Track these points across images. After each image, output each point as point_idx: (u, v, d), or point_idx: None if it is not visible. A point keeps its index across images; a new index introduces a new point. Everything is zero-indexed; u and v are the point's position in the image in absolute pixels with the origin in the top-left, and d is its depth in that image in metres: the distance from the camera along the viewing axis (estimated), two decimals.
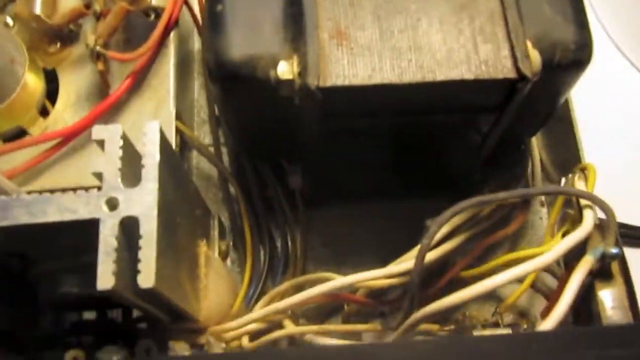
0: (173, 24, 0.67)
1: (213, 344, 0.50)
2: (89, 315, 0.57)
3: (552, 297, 0.51)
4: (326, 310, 0.67)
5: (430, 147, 0.61)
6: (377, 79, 0.48)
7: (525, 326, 0.66)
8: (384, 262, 0.70)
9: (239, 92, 0.54)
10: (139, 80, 0.67)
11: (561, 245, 0.47)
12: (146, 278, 0.43)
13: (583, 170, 0.61)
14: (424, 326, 0.62)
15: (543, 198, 0.74)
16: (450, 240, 0.59)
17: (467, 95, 0.51)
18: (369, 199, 0.72)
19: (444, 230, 0.57)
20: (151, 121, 0.47)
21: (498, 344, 0.38)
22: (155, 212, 0.44)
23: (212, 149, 0.73)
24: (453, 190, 0.69)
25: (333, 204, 0.72)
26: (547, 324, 0.46)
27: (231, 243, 0.71)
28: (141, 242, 0.44)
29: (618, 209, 0.75)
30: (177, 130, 0.68)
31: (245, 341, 0.60)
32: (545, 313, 0.52)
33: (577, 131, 0.65)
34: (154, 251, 0.43)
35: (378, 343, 0.47)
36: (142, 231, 0.44)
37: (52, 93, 0.67)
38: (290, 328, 0.59)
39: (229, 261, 0.71)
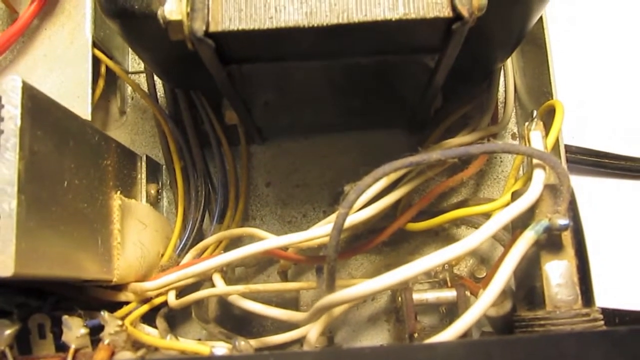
0: None
1: (109, 321, 0.45)
2: None
3: (492, 269, 0.45)
4: (265, 257, 0.62)
5: (370, 84, 0.52)
6: (280, 20, 0.39)
7: (483, 274, 0.61)
8: (335, 202, 0.65)
9: (134, 29, 0.46)
10: (51, 3, 0.59)
11: (497, 221, 0.40)
12: (4, 266, 0.37)
13: (550, 109, 0.53)
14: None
15: (516, 129, 0.66)
16: (393, 192, 0.53)
17: (395, 36, 0.42)
18: (317, 132, 0.64)
19: (381, 184, 0.50)
20: (12, 75, 0.40)
21: (394, 358, 0.32)
22: (14, 189, 0.38)
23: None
24: (410, 123, 0.62)
25: (277, 138, 0.65)
26: (478, 306, 0.40)
27: (168, 182, 0.65)
28: None
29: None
30: (98, 60, 0.60)
31: (171, 297, 0.55)
32: (485, 284, 0.46)
33: (550, 58, 0.56)
34: (13, 234, 0.38)
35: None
36: None
37: None
38: (217, 287, 0.54)
39: (165, 202, 0.65)
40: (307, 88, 0.52)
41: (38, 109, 0.41)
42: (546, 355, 0.32)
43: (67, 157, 0.45)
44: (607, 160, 0.70)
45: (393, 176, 0.51)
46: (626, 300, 0.56)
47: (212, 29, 0.39)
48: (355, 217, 0.49)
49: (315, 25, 0.39)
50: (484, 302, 0.39)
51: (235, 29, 0.39)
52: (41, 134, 0.41)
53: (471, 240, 0.39)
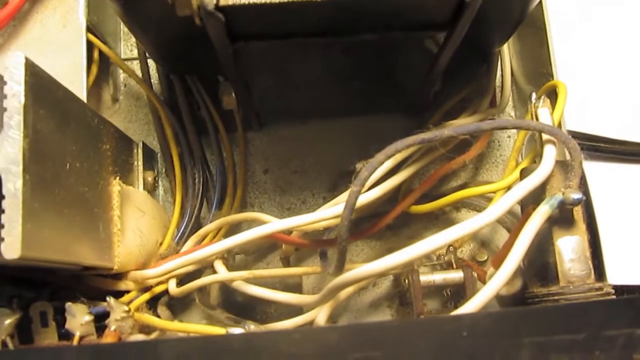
0: None
1: (114, 307, 0.44)
2: None
3: (503, 247, 0.45)
4: (265, 243, 0.61)
5: (373, 65, 0.52)
6: None
7: (485, 257, 0.61)
8: (334, 188, 0.64)
9: (136, 8, 0.44)
10: None
11: (511, 195, 0.40)
12: (10, 248, 0.36)
13: (551, 90, 0.53)
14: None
15: (513, 113, 0.66)
16: (398, 174, 0.52)
17: (405, 11, 0.42)
18: (315, 117, 0.64)
19: (388, 165, 0.50)
20: (14, 52, 0.38)
21: (421, 330, 0.32)
22: (19, 168, 0.37)
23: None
24: (409, 107, 0.61)
25: (275, 124, 0.64)
26: (493, 283, 0.39)
27: (164, 170, 0.64)
28: (4, 204, 0.36)
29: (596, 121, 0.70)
30: (94, 45, 0.59)
31: (172, 285, 0.54)
32: (496, 263, 0.46)
33: (550, 40, 0.56)
34: (19, 215, 0.36)
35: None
36: (4, 191, 0.37)
37: None
38: (220, 274, 0.53)
39: (161, 190, 0.64)
40: (310, 70, 0.52)
41: (40, 86, 0.40)
42: (572, 323, 0.32)
43: (68, 138, 0.44)
44: (602, 144, 0.70)
45: (399, 157, 0.50)
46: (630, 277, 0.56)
47: (222, 2, 0.38)
48: (363, 198, 0.48)
49: None
50: (502, 275, 0.39)
51: (247, 2, 0.38)
52: (44, 113, 0.40)
53: (489, 214, 0.39)
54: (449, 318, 0.33)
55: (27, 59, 0.38)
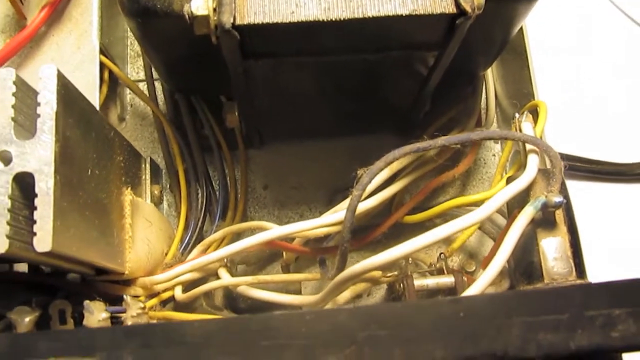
0: None
1: (130, 304, 0.47)
2: None
3: (492, 250, 0.49)
4: (266, 254, 0.64)
5: (369, 85, 0.56)
6: (301, 15, 0.43)
7: (473, 268, 0.65)
8: (330, 203, 0.67)
9: (154, 28, 0.48)
10: (59, 10, 0.62)
11: (498, 198, 0.44)
12: (42, 241, 0.39)
13: (533, 109, 0.58)
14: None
15: None
16: (393, 185, 0.56)
17: (402, 32, 0.46)
18: (312, 137, 0.68)
19: (384, 174, 0.54)
20: (47, 65, 0.42)
21: (422, 311, 0.35)
22: (51, 169, 0.40)
23: (145, 85, 0.68)
24: (400, 126, 0.65)
25: (274, 143, 0.68)
26: (483, 279, 0.43)
27: (168, 185, 0.67)
28: (37, 201, 0.40)
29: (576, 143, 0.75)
30: (104, 66, 0.63)
31: (178, 292, 0.57)
32: (485, 264, 0.50)
33: (531, 63, 0.61)
34: (51, 211, 0.40)
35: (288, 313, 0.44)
36: (37, 189, 0.40)
37: None
38: (224, 279, 0.56)
39: (165, 204, 0.67)
40: (312, 89, 0.56)
41: (69, 97, 0.44)
42: (556, 304, 0.35)
43: (90, 146, 0.47)
44: (580, 164, 0.75)
45: (395, 167, 0.54)
46: None
47: (238, 22, 0.42)
48: (361, 206, 0.52)
49: (333, 19, 0.43)
50: (492, 270, 0.42)
51: (260, 22, 0.42)
52: (71, 122, 0.44)
53: (479, 213, 0.43)
54: (447, 300, 0.36)
55: (58, 71, 0.42)
